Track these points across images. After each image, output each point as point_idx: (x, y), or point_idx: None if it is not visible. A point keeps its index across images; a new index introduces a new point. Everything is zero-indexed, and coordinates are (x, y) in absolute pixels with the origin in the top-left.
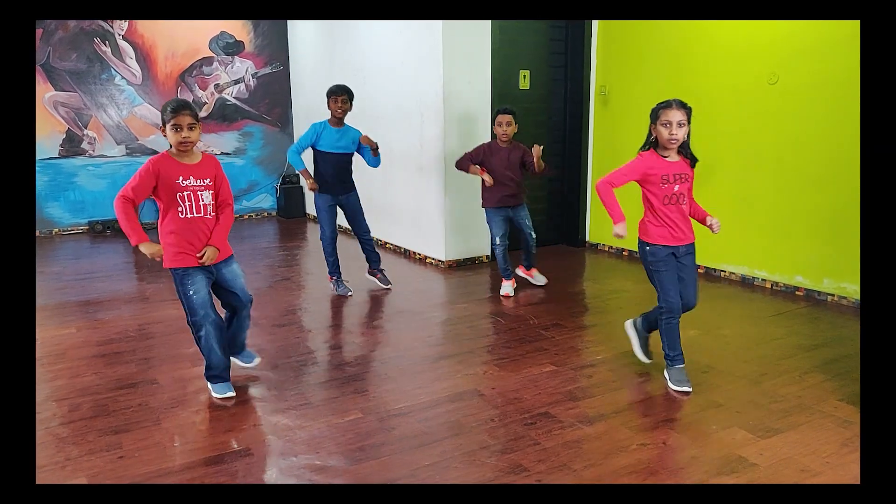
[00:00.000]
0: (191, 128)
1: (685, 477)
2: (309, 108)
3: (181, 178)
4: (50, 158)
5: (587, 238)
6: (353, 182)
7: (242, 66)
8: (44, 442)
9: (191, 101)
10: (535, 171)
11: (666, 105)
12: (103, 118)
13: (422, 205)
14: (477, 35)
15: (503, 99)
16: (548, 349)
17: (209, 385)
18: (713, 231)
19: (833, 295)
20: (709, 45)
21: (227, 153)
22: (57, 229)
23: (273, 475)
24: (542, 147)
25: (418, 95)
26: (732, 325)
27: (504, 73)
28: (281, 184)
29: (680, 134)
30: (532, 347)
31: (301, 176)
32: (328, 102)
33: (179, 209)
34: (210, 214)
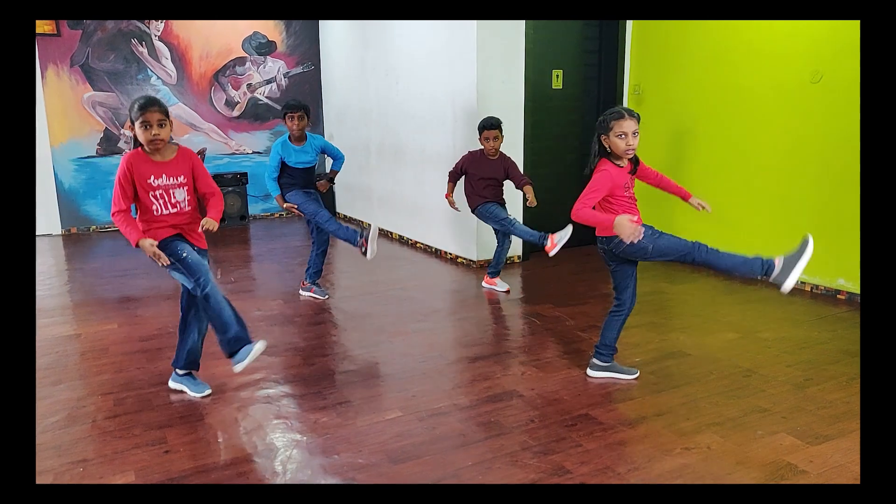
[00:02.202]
0: (161, 124)
1: (733, 483)
2: (340, 108)
3: (153, 177)
4: (88, 157)
5: None
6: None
7: (274, 66)
8: (91, 435)
9: (224, 100)
10: (518, 185)
11: (618, 116)
12: None
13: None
14: (511, 35)
15: (537, 98)
16: (585, 350)
17: (234, 357)
18: (703, 209)
19: None
20: (748, 42)
21: (258, 152)
22: (94, 227)
23: (316, 473)
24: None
25: (451, 96)
26: (772, 328)
27: (537, 73)
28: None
29: (636, 143)
30: (569, 349)
31: (277, 202)
32: (285, 121)
33: (154, 207)
34: (185, 209)
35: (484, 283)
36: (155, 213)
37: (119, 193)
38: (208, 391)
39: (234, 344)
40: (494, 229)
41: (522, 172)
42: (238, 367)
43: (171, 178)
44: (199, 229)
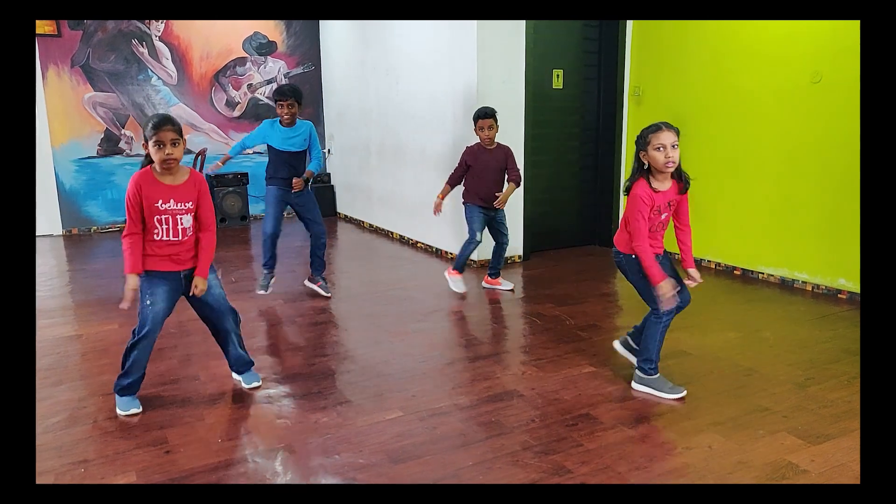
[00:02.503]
0: (174, 144)
1: (734, 483)
2: (340, 108)
3: (160, 201)
4: (88, 158)
5: None
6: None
7: (275, 66)
8: (92, 436)
9: (224, 101)
10: (508, 178)
11: (655, 129)
12: (140, 118)
13: (454, 204)
14: (511, 34)
15: (537, 98)
16: (585, 350)
17: (116, 398)
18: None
19: None
20: (748, 43)
21: (259, 152)
22: (95, 227)
23: (316, 473)
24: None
25: (451, 95)
26: (773, 327)
27: (538, 73)
28: (312, 183)
29: (675, 156)
30: (570, 348)
31: (222, 158)
32: (276, 107)
33: (155, 231)
34: (187, 237)
35: (484, 283)
36: (156, 236)
37: (129, 216)
38: (256, 383)
39: (122, 390)
40: (490, 230)
41: (521, 171)
42: (124, 411)
43: (179, 204)
44: (190, 293)
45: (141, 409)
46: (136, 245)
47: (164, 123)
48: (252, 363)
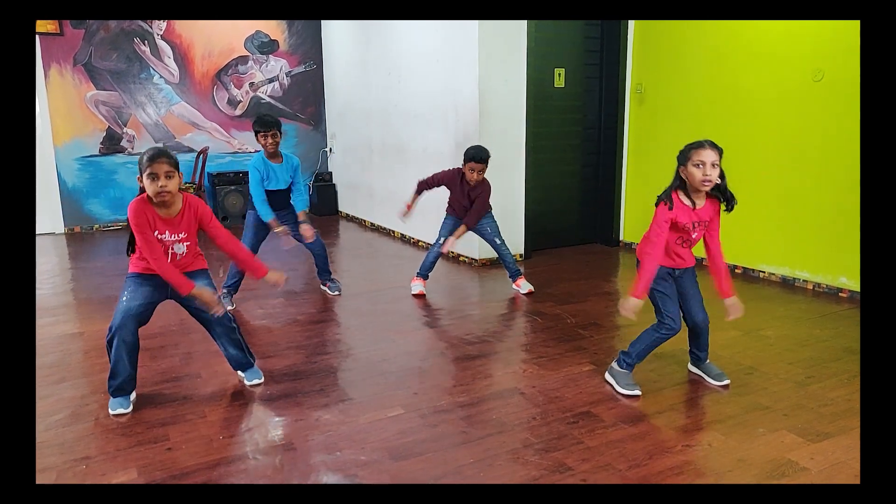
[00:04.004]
0: (168, 176)
1: (733, 480)
2: (342, 107)
3: (156, 231)
4: (91, 156)
5: (621, 237)
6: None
7: (277, 65)
8: (94, 433)
9: (226, 99)
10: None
11: (697, 145)
12: (142, 116)
13: None
14: (512, 33)
15: (539, 97)
16: (586, 348)
17: (111, 399)
18: (728, 315)
19: None
20: (750, 40)
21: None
22: (98, 225)
23: (317, 470)
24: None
25: (453, 94)
26: (774, 326)
27: (539, 71)
28: (314, 182)
29: (714, 175)
30: (570, 346)
31: (271, 225)
32: (257, 138)
33: None
34: (177, 260)
35: (513, 286)
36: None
37: (146, 241)
38: (258, 381)
39: (115, 392)
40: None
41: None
42: (111, 411)
43: (174, 235)
44: (271, 281)
45: (129, 410)
46: (171, 269)
47: (159, 156)
48: (253, 363)
